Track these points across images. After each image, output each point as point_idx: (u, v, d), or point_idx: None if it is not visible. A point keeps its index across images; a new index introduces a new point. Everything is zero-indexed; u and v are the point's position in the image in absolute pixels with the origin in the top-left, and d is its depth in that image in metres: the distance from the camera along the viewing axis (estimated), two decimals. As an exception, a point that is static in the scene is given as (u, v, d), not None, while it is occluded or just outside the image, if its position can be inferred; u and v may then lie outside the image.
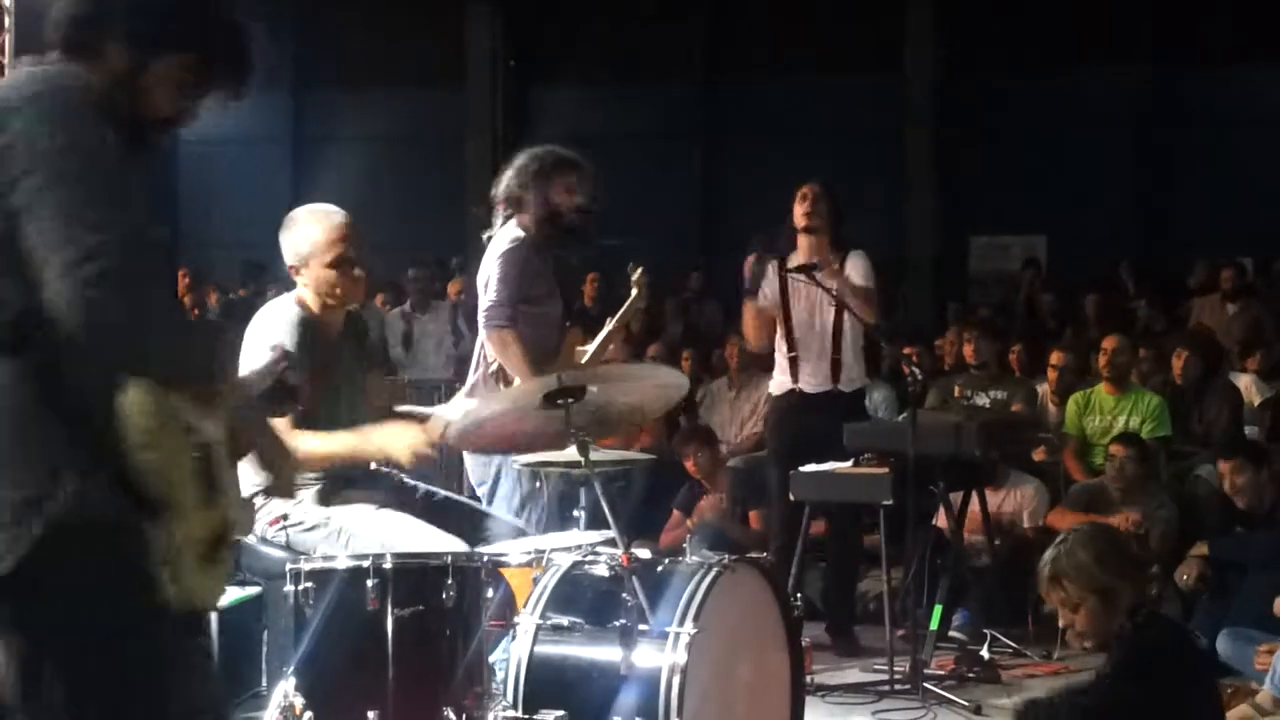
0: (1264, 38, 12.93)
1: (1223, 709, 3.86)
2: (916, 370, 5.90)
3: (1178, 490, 6.88)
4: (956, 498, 6.26)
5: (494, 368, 4.98)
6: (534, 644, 3.68)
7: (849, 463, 5.78)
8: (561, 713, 3.50)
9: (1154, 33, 14.03)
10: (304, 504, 3.94)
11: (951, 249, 14.56)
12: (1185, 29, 13.79)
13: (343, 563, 3.44)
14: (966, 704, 5.12)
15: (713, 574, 3.69)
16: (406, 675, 3.42)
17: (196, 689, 2.26)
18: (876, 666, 5.63)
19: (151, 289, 2.12)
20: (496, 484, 4.83)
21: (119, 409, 2.13)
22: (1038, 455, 7.52)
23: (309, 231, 4.01)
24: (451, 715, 3.40)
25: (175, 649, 2.21)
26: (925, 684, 5.24)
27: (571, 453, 3.83)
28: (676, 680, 3.49)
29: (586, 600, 3.73)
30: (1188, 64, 13.85)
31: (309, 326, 3.97)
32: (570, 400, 3.71)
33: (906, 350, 7.79)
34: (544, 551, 3.96)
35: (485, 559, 3.71)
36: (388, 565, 3.40)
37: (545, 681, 3.64)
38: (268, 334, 3.87)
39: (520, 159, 5.00)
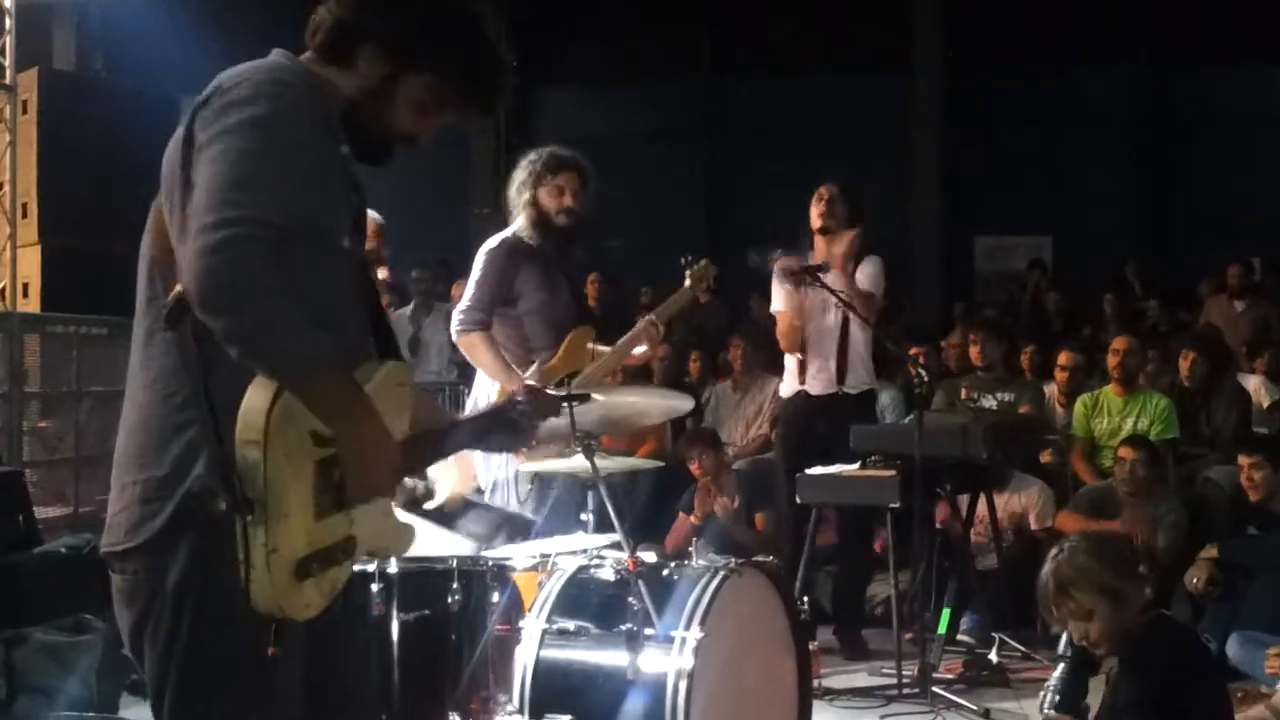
0: (1268, 37, 12.90)
1: (1231, 708, 3.83)
2: (923, 371, 5.87)
3: (1186, 493, 6.84)
4: (963, 500, 6.23)
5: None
6: (540, 648, 3.66)
7: (856, 465, 5.75)
8: (568, 717, 3.49)
9: (1160, 32, 14.02)
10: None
11: (957, 249, 14.53)
12: (1190, 28, 13.77)
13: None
14: (975, 708, 5.09)
15: (719, 578, 3.68)
16: (412, 680, 3.40)
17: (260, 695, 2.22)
18: (884, 670, 5.59)
19: (279, 275, 2.06)
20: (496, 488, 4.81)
21: (243, 403, 2.09)
22: (1045, 457, 7.48)
23: None
24: (457, 720, 3.38)
25: (248, 650, 2.16)
26: (933, 688, 5.21)
27: (578, 460, 3.81)
28: (683, 685, 3.47)
29: (592, 604, 3.72)
30: (1193, 63, 13.82)
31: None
32: (574, 403, 3.68)
33: (914, 351, 7.76)
34: (549, 555, 3.94)
35: (490, 563, 3.69)
36: (393, 570, 3.38)
37: (551, 686, 3.62)
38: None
39: (520, 161, 5.04)
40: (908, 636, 5.65)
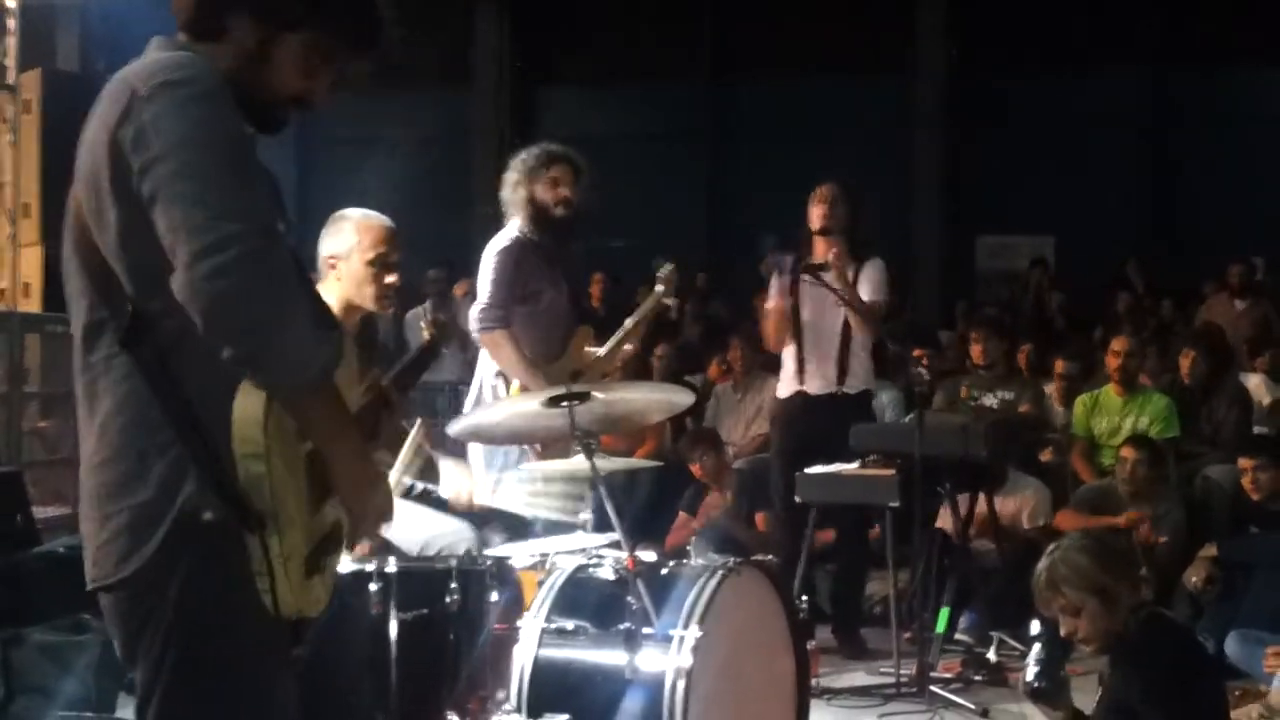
0: (1270, 38, 12.89)
1: (1227, 706, 3.83)
2: (923, 371, 5.86)
3: (1186, 491, 6.85)
4: (963, 499, 6.23)
5: (496, 371, 4.98)
6: (538, 647, 3.66)
7: (855, 464, 5.75)
8: (566, 717, 3.49)
9: (1162, 32, 14.00)
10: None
11: (959, 248, 14.52)
12: (1192, 28, 13.76)
13: (345, 566, 3.42)
14: (973, 707, 5.09)
15: (718, 577, 3.68)
16: (410, 679, 3.40)
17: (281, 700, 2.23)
18: (882, 669, 5.60)
19: (281, 286, 2.05)
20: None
21: (234, 416, 2.07)
22: (1045, 456, 7.48)
23: (356, 227, 4.00)
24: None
25: (268, 658, 2.17)
26: (931, 687, 5.22)
27: (578, 461, 3.82)
28: (681, 684, 3.47)
29: (591, 604, 3.72)
30: (1195, 63, 13.81)
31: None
32: (575, 403, 3.69)
33: (916, 353, 7.75)
34: (548, 554, 3.95)
35: (489, 562, 3.70)
36: (391, 570, 3.39)
37: (550, 685, 3.62)
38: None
39: (511, 162, 5.04)
40: (906, 635, 5.65)
